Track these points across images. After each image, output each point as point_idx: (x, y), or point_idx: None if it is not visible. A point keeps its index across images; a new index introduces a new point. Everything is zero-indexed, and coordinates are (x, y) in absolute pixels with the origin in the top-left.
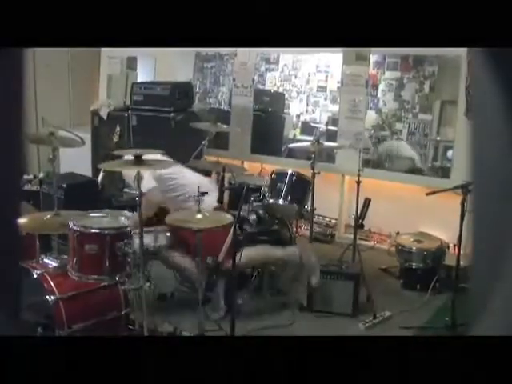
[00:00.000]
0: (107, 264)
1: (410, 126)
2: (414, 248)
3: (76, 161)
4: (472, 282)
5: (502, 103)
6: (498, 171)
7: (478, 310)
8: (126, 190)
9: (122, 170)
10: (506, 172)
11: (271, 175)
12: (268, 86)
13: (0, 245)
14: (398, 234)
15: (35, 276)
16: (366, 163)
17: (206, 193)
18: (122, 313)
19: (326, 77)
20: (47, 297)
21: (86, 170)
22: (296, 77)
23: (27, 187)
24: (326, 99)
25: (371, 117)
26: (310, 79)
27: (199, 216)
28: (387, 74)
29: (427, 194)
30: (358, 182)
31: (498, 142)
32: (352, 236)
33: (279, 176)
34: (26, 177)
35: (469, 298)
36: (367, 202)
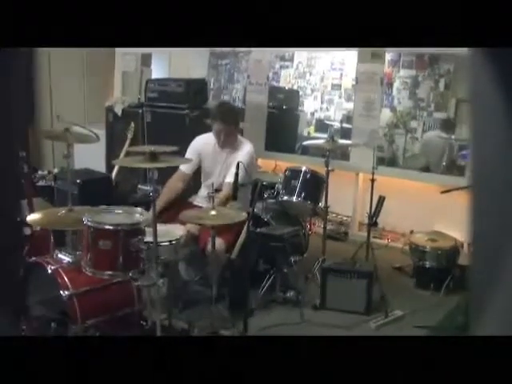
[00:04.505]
0: (121, 260)
1: (424, 125)
2: (428, 247)
3: (90, 157)
4: (472, 281)
5: (501, 103)
6: (498, 170)
7: (478, 310)
8: (140, 186)
9: (135, 166)
10: (506, 170)
11: (285, 172)
12: (282, 84)
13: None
14: (411, 232)
15: (49, 271)
16: (381, 161)
17: (220, 190)
18: (135, 309)
19: (341, 74)
20: (61, 292)
21: (100, 166)
22: (311, 74)
23: (42, 183)
24: (340, 97)
25: (386, 115)
26: (324, 77)
27: (213, 213)
28: (402, 72)
29: (442, 193)
30: (373, 180)
31: (498, 141)
32: (366, 234)
33: (293, 173)
34: (40, 172)
35: (469, 298)
36: (381, 200)
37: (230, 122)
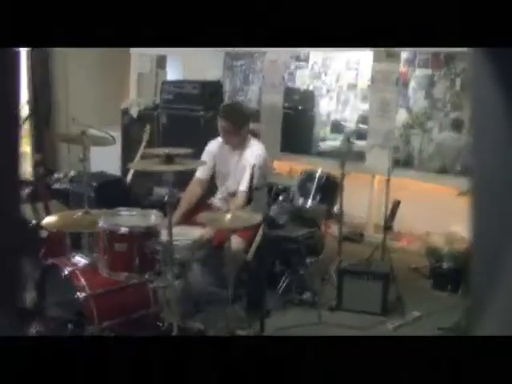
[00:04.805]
0: (137, 262)
1: (441, 125)
2: (445, 248)
3: (106, 160)
4: (472, 281)
5: (501, 104)
6: (498, 170)
7: (479, 310)
8: (155, 189)
9: (151, 169)
10: (507, 170)
11: (300, 175)
12: (298, 84)
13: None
14: (428, 234)
15: (66, 273)
16: (396, 162)
17: (235, 194)
18: (151, 310)
19: (356, 74)
20: (78, 294)
21: (115, 168)
22: (326, 74)
23: (57, 185)
24: (356, 97)
25: (401, 115)
26: (340, 77)
27: (229, 216)
28: (418, 71)
29: (458, 195)
30: (388, 182)
31: (498, 141)
32: (381, 236)
33: (308, 176)
34: (56, 175)
35: (470, 298)
36: (396, 204)
37: (232, 121)
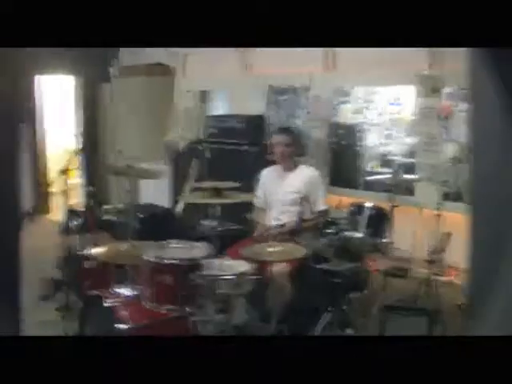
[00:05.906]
0: (180, 295)
1: None
2: None
3: (156, 192)
4: (472, 282)
5: (501, 103)
6: (497, 171)
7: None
8: (202, 221)
9: (200, 202)
10: (506, 174)
11: (349, 208)
12: (342, 119)
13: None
14: None
15: (109, 305)
16: (446, 196)
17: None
18: None
19: (400, 109)
20: (120, 325)
21: (164, 201)
22: (370, 109)
23: (106, 217)
24: (400, 132)
25: (450, 149)
26: (384, 111)
27: (270, 249)
28: (460, 105)
29: None
30: (438, 216)
31: (498, 142)
32: (428, 271)
33: (357, 209)
34: (105, 207)
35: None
36: (447, 236)
37: (287, 135)
